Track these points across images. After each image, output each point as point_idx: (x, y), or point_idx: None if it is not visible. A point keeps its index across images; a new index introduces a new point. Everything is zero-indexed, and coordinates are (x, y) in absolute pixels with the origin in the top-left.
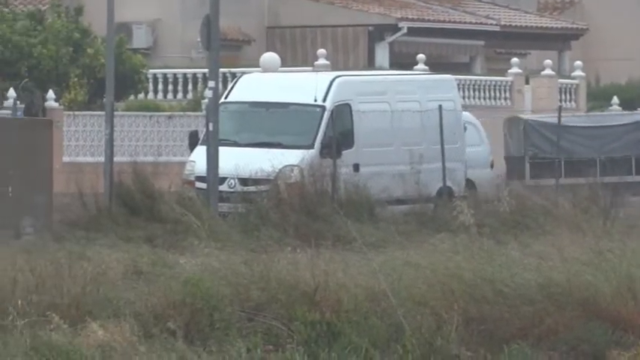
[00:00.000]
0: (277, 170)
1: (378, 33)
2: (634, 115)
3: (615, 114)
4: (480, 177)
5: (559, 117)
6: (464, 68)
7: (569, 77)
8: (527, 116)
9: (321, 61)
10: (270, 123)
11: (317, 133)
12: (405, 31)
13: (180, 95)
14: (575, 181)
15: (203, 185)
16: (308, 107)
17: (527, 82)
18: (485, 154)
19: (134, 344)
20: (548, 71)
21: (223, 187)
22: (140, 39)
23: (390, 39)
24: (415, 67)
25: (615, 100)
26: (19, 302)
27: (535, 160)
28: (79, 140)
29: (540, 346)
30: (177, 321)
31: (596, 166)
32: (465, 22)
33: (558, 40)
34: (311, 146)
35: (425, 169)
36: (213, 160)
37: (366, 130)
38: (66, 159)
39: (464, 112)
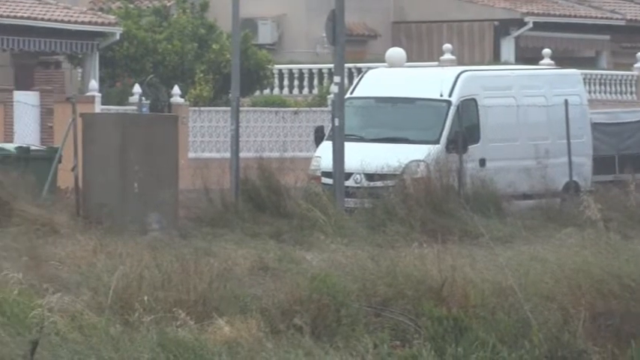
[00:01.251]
0: (403, 165)
1: (503, 28)
2: None
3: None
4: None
5: None
6: (589, 63)
7: None
8: None
9: (447, 56)
10: (396, 118)
11: (443, 128)
12: (530, 25)
13: (305, 91)
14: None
15: (329, 181)
16: (434, 102)
17: None
18: None
19: (261, 340)
20: None
21: (349, 183)
22: (265, 34)
23: (516, 33)
24: (541, 61)
25: None
26: (146, 298)
27: None
28: (205, 136)
29: None
30: (304, 317)
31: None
32: (590, 17)
33: None
34: (437, 141)
35: (551, 164)
36: (339, 155)
37: (492, 125)
38: (191, 155)
39: None
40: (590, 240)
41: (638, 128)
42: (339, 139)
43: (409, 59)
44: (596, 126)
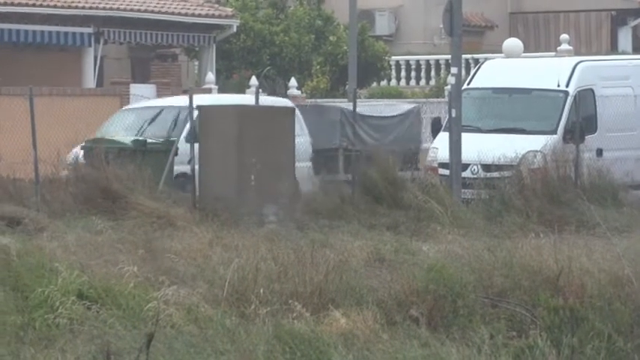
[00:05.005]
0: (520, 156)
1: (620, 17)
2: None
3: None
4: (300, 171)
5: None
6: None
7: None
8: (343, 105)
9: (564, 47)
10: (513, 109)
11: (560, 119)
12: None
13: (422, 82)
14: None
15: (446, 172)
16: (551, 93)
17: None
18: (307, 146)
19: (377, 332)
20: None
21: (466, 174)
22: (383, 26)
23: (633, 23)
24: None
25: None
26: (262, 291)
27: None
28: None
29: None
30: (420, 308)
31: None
32: None
33: None
34: (554, 132)
35: None
36: (456, 146)
37: (609, 115)
38: None
39: (281, 99)
40: None
41: (397, 123)
42: (456, 130)
43: (526, 50)
44: (366, 119)
